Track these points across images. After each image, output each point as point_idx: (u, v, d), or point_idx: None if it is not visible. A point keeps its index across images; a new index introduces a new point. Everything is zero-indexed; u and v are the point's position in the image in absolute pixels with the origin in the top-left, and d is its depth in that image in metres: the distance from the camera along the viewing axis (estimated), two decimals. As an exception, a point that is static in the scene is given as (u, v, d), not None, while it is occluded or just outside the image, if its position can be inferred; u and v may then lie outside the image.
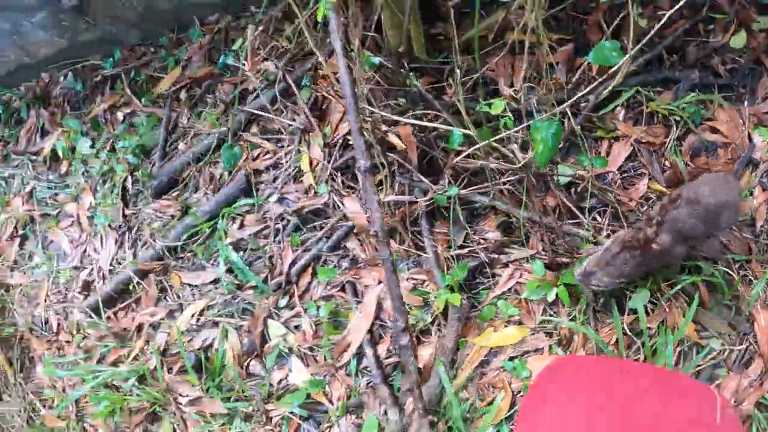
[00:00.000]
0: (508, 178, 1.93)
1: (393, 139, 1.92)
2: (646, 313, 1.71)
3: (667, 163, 1.94)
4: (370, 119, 1.89)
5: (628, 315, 1.75)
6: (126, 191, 2.51)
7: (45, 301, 2.64)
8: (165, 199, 2.41)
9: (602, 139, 2.06)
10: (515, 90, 2.18)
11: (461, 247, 2.00)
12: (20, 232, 2.80)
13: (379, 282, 2.04)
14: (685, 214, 1.55)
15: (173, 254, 2.30)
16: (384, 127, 1.91)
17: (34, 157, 2.89)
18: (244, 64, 2.18)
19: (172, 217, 2.36)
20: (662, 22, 1.32)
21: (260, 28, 2.48)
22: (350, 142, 2.15)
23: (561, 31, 2.15)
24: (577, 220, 1.92)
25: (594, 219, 1.93)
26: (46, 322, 2.62)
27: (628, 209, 1.92)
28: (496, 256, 1.97)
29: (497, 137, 1.74)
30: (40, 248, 2.72)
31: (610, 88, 1.58)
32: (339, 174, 2.15)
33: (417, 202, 2.00)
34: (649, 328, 1.70)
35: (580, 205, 1.93)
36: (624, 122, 2.04)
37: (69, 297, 2.56)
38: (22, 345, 2.70)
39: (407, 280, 2.01)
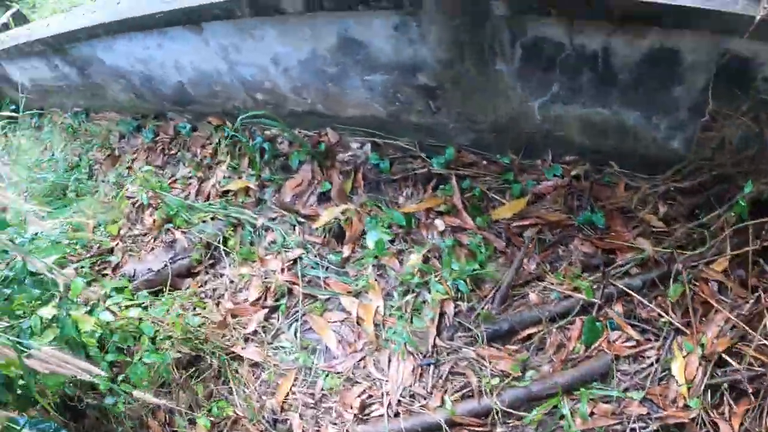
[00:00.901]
0: None
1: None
2: None
3: None
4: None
5: None
6: (443, 317, 2.21)
7: (287, 396, 2.26)
8: (497, 348, 2.13)
9: None
10: None
11: None
12: (270, 301, 2.43)
13: None
14: None
15: (500, 417, 2.01)
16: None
17: (302, 221, 2.55)
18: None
19: (504, 374, 2.07)
20: None
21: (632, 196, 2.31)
22: (726, 360, 1.97)
23: None
24: None
25: None
26: (279, 421, 2.24)
27: None
28: None
29: None
30: (293, 332, 2.36)
31: None
32: (710, 391, 1.95)
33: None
34: None
35: None
36: None
37: (328, 408, 2.20)
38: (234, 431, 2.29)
39: None
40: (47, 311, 2.03)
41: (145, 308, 2.44)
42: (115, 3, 2.94)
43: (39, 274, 2.06)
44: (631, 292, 2.15)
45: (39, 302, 2.20)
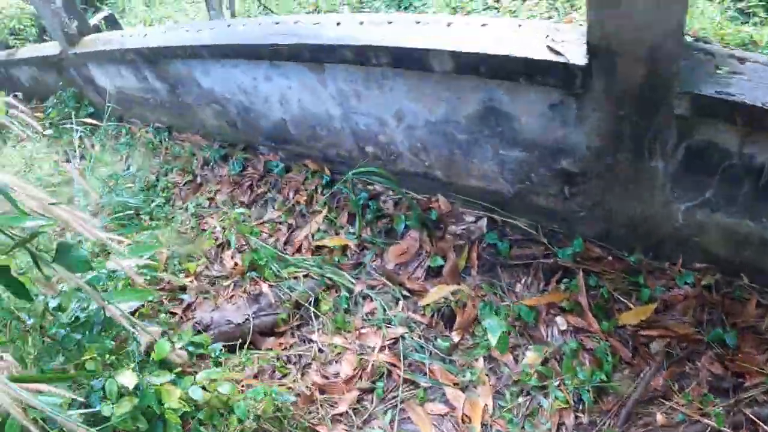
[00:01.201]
0: None
1: None
2: None
3: None
4: None
5: None
6: (561, 428, 1.99)
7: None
8: (622, 477, 1.91)
9: None
10: None
11: None
12: (366, 381, 2.21)
13: None
14: None
15: None
16: None
17: (407, 295, 2.34)
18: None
19: None
20: None
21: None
22: None
23: None
24: None
25: None
26: None
27: None
28: None
29: None
30: (388, 419, 2.13)
31: None
32: None
33: None
34: None
35: None
36: None
37: None
38: None
39: None
40: (127, 379, 1.76)
41: (220, 364, 2.23)
42: (225, 25, 2.76)
43: (113, 320, 1.82)
44: (758, 421, 1.95)
45: (112, 354, 1.97)
